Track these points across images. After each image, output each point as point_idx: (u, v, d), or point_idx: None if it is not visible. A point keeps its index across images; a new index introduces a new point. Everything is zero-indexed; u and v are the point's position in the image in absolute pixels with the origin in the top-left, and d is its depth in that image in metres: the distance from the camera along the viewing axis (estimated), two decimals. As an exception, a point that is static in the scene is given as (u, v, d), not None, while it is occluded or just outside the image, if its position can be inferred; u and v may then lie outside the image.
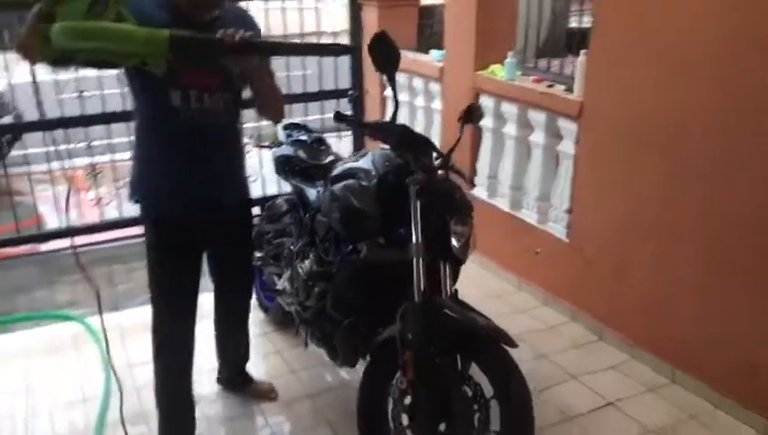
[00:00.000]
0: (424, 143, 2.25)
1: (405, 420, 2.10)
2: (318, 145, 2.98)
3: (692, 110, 2.48)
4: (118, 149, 4.34)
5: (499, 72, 3.50)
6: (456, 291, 2.16)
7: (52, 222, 4.65)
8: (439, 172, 2.37)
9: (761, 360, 2.39)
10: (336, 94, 4.81)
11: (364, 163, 2.37)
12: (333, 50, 2.02)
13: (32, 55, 1.71)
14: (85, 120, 3.97)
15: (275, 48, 1.98)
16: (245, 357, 2.69)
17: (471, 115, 2.55)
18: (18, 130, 5.25)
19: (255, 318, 3.08)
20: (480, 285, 3.62)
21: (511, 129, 3.48)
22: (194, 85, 1.93)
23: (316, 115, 4.84)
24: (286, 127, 3.13)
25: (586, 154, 3.02)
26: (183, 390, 2.29)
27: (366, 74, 4.75)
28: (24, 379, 2.84)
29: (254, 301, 2.89)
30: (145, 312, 2.26)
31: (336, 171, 2.44)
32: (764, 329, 2.37)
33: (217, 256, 2.33)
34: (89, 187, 5.36)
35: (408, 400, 2.07)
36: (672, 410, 2.58)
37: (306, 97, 4.74)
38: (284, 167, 2.89)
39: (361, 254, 2.25)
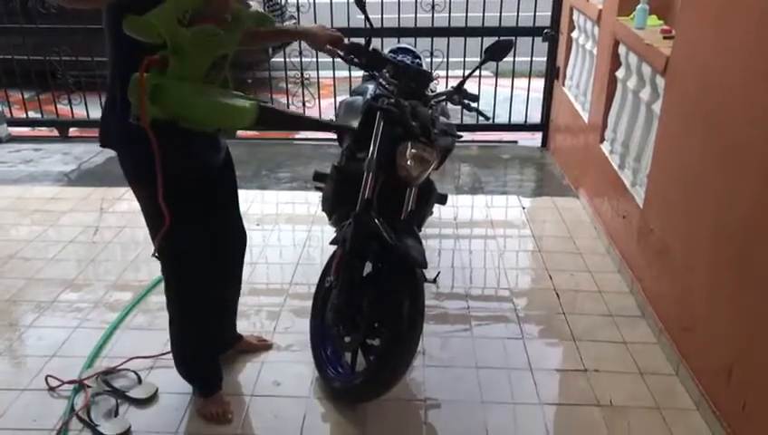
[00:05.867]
0: (412, 72, 2.41)
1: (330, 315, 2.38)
2: None
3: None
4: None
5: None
6: (410, 213, 2.35)
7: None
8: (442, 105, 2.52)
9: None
10: (532, 32, 4.82)
11: (372, 85, 2.63)
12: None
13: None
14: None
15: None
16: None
17: (496, 51, 2.54)
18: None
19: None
20: (578, 237, 3.54)
21: (632, 82, 3.23)
22: None
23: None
24: (393, 50, 3.36)
25: (665, 116, 2.73)
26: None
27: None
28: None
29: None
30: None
31: (355, 87, 2.73)
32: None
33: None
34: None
35: (333, 296, 2.37)
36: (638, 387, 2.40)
37: (501, 32, 4.79)
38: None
39: (339, 161, 2.56)
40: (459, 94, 2.52)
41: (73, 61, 4.98)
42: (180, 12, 1.57)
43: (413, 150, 2.24)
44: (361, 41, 2.37)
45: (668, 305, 2.63)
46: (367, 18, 2.34)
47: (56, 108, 5.21)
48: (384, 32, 4.88)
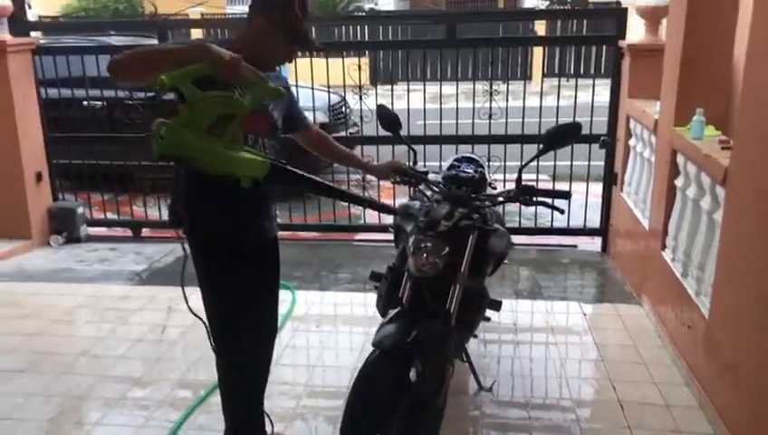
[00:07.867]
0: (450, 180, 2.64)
1: None
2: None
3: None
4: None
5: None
6: (447, 310, 2.40)
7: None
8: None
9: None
10: (588, 139, 4.89)
11: (429, 191, 2.74)
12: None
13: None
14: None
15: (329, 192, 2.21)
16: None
17: (558, 136, 2.50)
18: (358, 141, 6.25)
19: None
20: (642, 347, 3.45)
21: (691, 191, 3.23)
22: (252, 131, 2.10)
23: (565, 161, 4.90)
24: (458, 159, 3.48)
25: (727, 226, 2.71)
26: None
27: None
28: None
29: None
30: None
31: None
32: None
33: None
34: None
35: None
36: None
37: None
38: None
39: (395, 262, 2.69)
40: (521, 193, 2.54)
41: (150, 166, 5.33)
42: (195, 75, 1.84)
43: (413, 242, 2.38)
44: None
45: (742, 425, 2.50)
46: (402, 139, 2.79)
47: (131, 209, 5.53)
48: (443, 139, 5.10)
